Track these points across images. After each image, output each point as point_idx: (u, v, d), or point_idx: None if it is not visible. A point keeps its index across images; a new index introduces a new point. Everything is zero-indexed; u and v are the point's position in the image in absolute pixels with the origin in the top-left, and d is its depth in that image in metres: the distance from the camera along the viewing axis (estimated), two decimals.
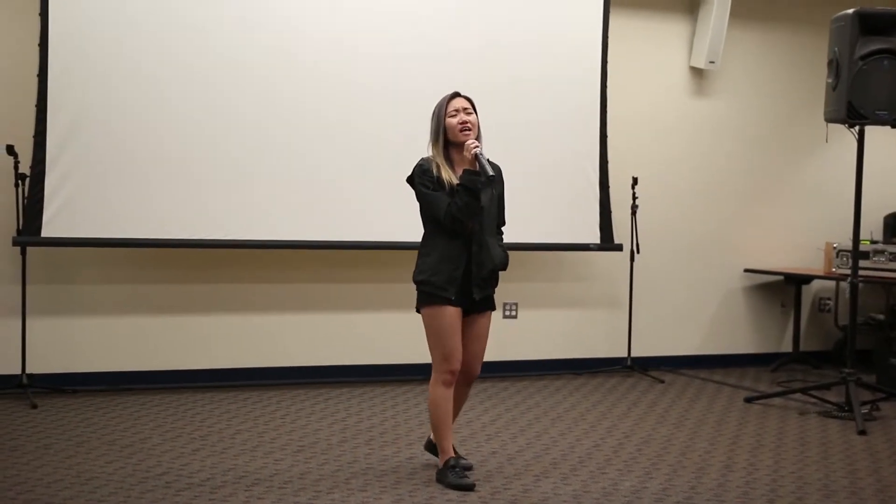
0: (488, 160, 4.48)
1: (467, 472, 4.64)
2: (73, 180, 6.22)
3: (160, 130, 6.42)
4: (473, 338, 4.65)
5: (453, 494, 4.44)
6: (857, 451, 5.45)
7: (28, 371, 6.28)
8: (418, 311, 4.63)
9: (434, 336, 4.56)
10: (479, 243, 4.55)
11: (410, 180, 4.61)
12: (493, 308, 4.71)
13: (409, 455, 5.11)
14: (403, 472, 4.80)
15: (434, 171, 4.50)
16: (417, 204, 4.63)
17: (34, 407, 5.96)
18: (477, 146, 4.47)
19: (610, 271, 7.81)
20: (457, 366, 4.55)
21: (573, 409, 6.39)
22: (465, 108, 4.55)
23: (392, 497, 4.38)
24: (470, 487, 4.50)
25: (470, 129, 4.51)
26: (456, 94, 4.60)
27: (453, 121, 4.52)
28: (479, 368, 4.74)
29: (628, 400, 6.72)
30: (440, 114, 4.56)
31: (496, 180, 4.61)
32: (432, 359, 4.59)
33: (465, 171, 4.46)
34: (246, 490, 4.42)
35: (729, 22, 7.82)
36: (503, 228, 4.80)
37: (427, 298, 4.55)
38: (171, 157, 6.44)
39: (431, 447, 4.89)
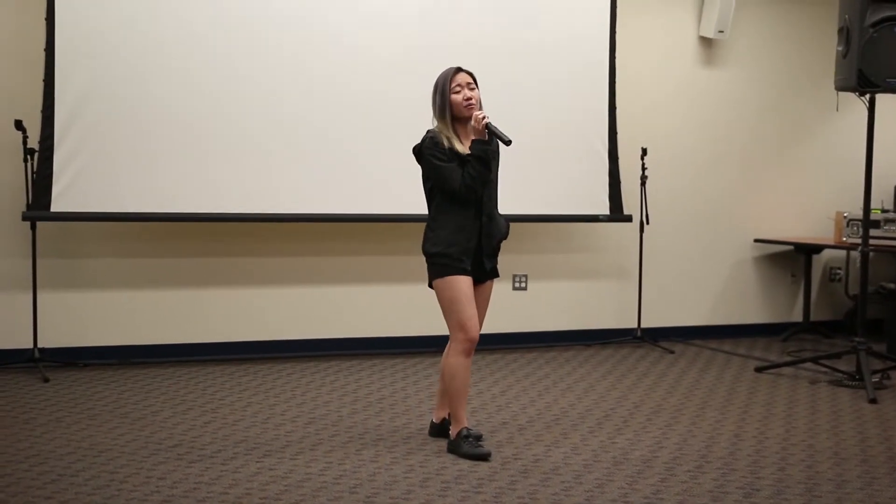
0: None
1: (480, 443, 4.66)
2: (82, 155, 6.22)
3: (168, 105, 6.40)
4: (478, 305, 4.70)
5: (464, 464, 4.45)
6: (868, 419, 5.45)
7: (39, 345, 6.30)
8: (430, 285, 4.65)
9: (450, 306, 4.58)
10: (489, 215, 4.64)
11: (419, 152, 4.62)
12: (497, 276, 4.78)
13: (420, 426, 5.12)
14: (414, 442, 4.82)
15: (445, 143, 4.54)
16: (422, 176, 4.66)
17: (46, 380, 5.98)
18: (486, 116, 4.50)
19: (619, 242, 7.79)
20: (474, 334, 4.58)
21: (583, 379, 6.40)
22: (469, 84, 4.60)
23: (403, 467, 4.39)
24: (485, 457, 4.52)
25: (473, 105, 4.57)
26: (459, 70, 4.62)
27: (458, 97, 4.56)
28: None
29: (638, 370, 6.73)
30: (444, 89, 4.58)
31: (496, 150, 4.68)
32: (449, 329, 4.61)
33: (474, 141, 4.50)
34: (257, 461, 4.43)
35: None
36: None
37: (442, 270, 4.57)
38: (179, 131, 6.42)
39: (436, 430, 4.90)
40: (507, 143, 4.52)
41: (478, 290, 4.69)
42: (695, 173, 8.06)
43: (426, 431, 4.99)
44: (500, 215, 4.76)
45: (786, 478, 4.34)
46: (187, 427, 5.02)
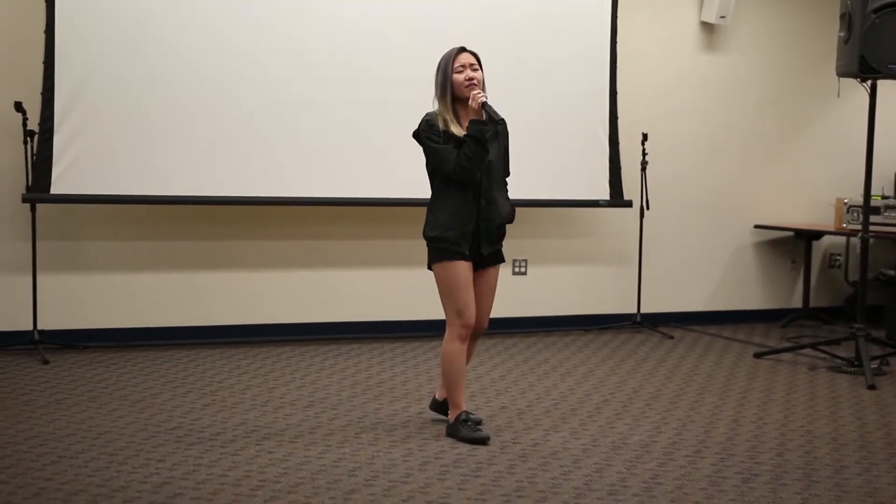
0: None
1: (479, 427, 4.67)
2: (82, 137, 6.21)
3: (169, 87, 6.38)
4: (483, 291, 4.68)
5: (463, 448, 4.46)
6: (867, 405, 5.46)
7: (39, 327, 6.31)
8: (430, 267, 4.64)
9: (448, 291, 4.57)
10: (488, 199, 4.59)
11: (417, 135, 4.61)
12: (502, 261, 4.75)
13: (419, 410, 5.13)
14: (413, 426, 4.83)
15: (441, 125, 4.52)
16: (424, 159, 4.65)
17: (46, 363, 5.99)
18: (483, 96, 4.47)
19: (620, 228, 7.79)
20: (471, 320, 4.57)
21: (582, 364, 6.40)
22: (472, 64, 4.56)
23: (402, 451, 4.40)
24: (484, 441, 4.53)
25: (476, 85, 4.52)
26: (462, 49, 4.59)
27: (460, 77, 4.53)
28: (487, 322, 4.76)
29: (637, 356, 6.73)
30: (447, 69, 4.55)
31: (501, 133, 4.64)
32: (446, 314, 4.61)
33: (471, 121, 4.48)
34: (257, 444, 4.44)
35: None
36: (507, 179, 4.80)
37: (440, 254, 4.56)
38: (180, 114, 6.41)
39: (437, 406, 4.91)
40: (500, 121, 4.51)
41: (482, 275, 4.66)
42: (695, 159, 8.05)
43: (425, 415, 5.00)
44: (506, 199, 4.71)
45: (784, 463, 4.35)
46: (186, 410, 5.03)
